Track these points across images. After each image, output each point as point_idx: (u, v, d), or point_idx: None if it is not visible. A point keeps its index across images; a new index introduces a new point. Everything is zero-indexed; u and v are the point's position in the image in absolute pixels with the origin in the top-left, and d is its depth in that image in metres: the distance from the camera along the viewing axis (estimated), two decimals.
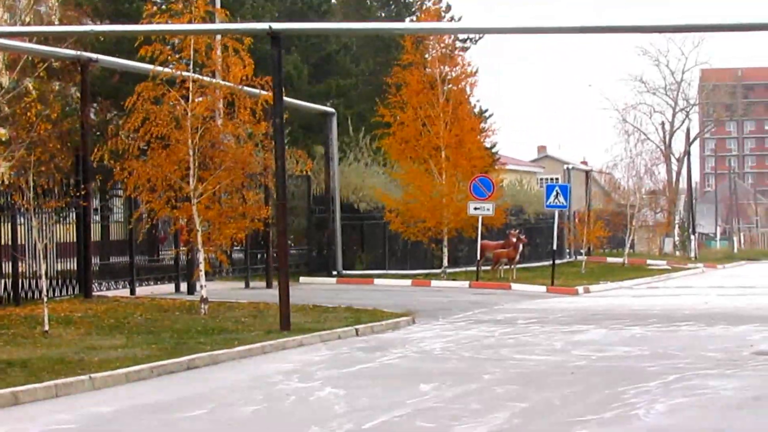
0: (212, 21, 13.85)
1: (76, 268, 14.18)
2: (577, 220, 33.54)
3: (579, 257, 31.87)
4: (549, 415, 6.22)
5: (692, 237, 41.81)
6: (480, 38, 26.11)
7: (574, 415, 6.09)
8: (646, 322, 13.12)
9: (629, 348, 10.23)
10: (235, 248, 17.45)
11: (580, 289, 21.10)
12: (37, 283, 12.04)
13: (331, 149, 21.76)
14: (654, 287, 24.33)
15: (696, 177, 61.18)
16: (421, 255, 23.98)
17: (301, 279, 20.39)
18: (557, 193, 21.78)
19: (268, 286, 17.97)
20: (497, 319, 14.03)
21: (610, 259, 35.27)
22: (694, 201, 45.09)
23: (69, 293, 13.97)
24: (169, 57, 11.59)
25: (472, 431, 5.60)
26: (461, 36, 24.26)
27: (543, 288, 20.56)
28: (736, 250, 49.24)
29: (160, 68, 11.64)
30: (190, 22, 11.69)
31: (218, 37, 12.84)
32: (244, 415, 6.30)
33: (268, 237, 17.60)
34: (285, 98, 13.33)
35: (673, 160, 49.94)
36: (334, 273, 21.76)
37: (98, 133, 16.16)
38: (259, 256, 19.69)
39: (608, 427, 5.79)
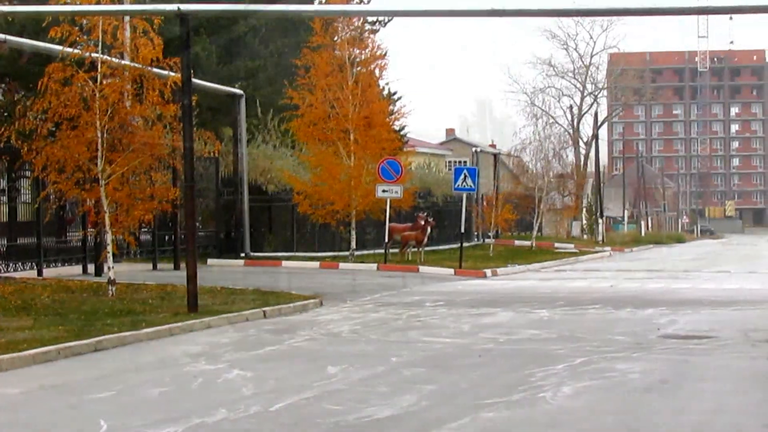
0: (121, 2, 14.43)
1: None
2: (485, 203, 35.41)
3: (487, 240, 33.89)
4: (456, 397, 6.49)
5: (600, 221, 44.70)
6: (389, 20, 27.17)
7: (482, 398, 6.34)
8: (554, 305, 13.66)
9: (537, 331, 10.59)
10: (143, 230, 18.04)
11: (488, 271, 22.36)
12: None
13: (239, 131, 22.51)
14: (561, 270, 25.84)
15: (604, 161, 64.83)
16: (329, 238, 25.07)
17: (210, 261, 21.14)
18: (465, 176, 23.14)
19: (176, 268, 18.63)
20: (405, 301, 14.54)
21: (518, 242, 37.31)
22: (601, 185, 48.20)
23: None
24: (78, 38, 12.15)
25: (379, 413, 5.76)
26: (371, 18, 25.34)
27: (451, 271, 21.70)
28: (643, 233, 52.49)
29: (69, 49, 12.19)
30: (98, 2, 12.28)
31: (127, 17, 13.43)
32: (152, 397, 6.53)
33: (176, 219, 18.28)
34: (193, 80, 14.03)
35: (581, 143, 53.11)
36: (242, 255, 22.60)
37: (6, 113, 16.34)
38: (167, 237, 20.38)
39: (515, 409, 6.00)
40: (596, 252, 36.37)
